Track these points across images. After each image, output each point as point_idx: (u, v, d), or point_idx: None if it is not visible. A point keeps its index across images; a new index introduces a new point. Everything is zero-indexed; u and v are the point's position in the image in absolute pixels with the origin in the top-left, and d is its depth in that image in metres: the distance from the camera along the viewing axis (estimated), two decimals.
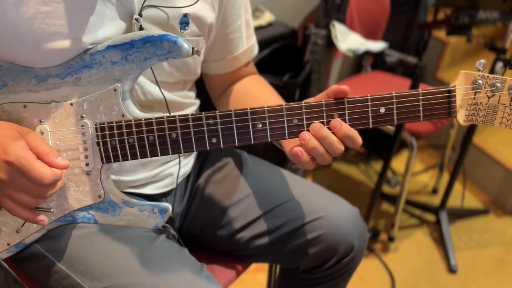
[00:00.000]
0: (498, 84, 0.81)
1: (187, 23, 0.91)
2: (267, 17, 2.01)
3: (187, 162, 1.11)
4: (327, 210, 1.08)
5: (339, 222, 1.07)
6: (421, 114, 0.83)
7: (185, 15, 0.89)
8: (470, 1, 1.77)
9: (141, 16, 0.83)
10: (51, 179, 0.74)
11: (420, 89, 0.82)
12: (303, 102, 0.82)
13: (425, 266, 2.12)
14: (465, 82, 0.82)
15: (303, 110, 0.82)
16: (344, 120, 0.82)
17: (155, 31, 0.79)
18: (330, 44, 1.99)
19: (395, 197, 2.34)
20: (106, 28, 0.81)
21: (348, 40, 2.00)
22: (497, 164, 2.54)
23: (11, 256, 0.91)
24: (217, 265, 1.13)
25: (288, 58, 2.00)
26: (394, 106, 0.82)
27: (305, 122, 0.83)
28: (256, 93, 1.09)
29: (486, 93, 0.82)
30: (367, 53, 1.95)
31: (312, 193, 1.12)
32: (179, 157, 1.04)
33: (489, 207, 2.52)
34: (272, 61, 1.86)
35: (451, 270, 2.10)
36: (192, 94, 1.08)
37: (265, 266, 1.48)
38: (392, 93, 0.82)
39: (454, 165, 2.21)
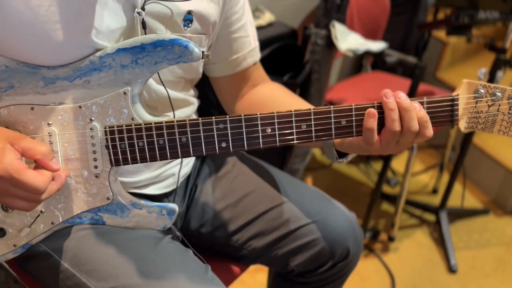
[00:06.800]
0: (499, 94, 0.85)
1: (191, 21, 0.89)
2: (267, 17, 2.00)
3: (188, 162, 1.11)
4: (323, 214, 1.08)
5: (335, 226, 1.07)
6: None
7: (189, 12, 0.88)
8: (470, 1, 1.77)
9: (144, 10, 0.82)
10: (44, 187, 0.74)
11: (424, 97, 0.84)
12: (311, 108, 0.83)
13: (425, 266, 2.13)
14: (467, 91, 0.85)
15: (312, 117, 0.83)
16: (351, 126, 0.84)
17: (166, 35, 0.79)
18: (330, 44, 1.98)
19: (395, 197, 2.34)
20: (108, 19, 0.80)
21: (348, 40, 2.00)
22: (497, 164, 2.55)
23: None
24: (217, 265, 1.12)
25: (288, 58, 1.99)
26: None
27: (313, 128, 0.84)
28: (285, 99, 1.09)
29: (487, 102, 0.86)
30: (367, 53, 1.95)
31: (310, 196, 1.12)
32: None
33: (489, 207, 2.53)
34: (272, 61, 1.86)
35: (451, 270, 2.11)
36: (193, 92, 1.07)
37: (265, 266, 1.48)
38: None
39: (454, 165, 2.21)
